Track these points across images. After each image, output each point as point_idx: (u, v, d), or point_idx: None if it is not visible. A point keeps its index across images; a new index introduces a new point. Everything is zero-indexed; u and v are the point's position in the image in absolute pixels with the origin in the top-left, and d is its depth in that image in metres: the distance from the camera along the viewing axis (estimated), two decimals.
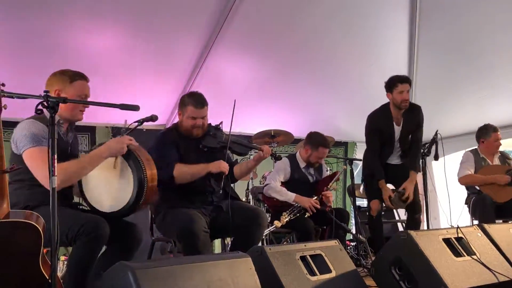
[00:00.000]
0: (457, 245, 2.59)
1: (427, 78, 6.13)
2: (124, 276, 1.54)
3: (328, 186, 3.72)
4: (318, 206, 3.60)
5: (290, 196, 3.67)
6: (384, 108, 4.03)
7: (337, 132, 6.58)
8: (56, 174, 2.15)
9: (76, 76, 2.44)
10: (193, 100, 3.06)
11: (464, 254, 2.56)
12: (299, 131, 6.17)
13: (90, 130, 5.27)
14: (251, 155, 3.61)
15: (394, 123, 3.97)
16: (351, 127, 6.71)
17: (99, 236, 2.18)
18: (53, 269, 1.75)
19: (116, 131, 5.15)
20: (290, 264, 2.28)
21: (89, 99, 2.51)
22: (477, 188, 4.35)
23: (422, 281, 2.39)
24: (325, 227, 3.88)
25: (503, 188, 4.15)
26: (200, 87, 5.24)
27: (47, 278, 1.80)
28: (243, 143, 3.21)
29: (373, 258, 4.13)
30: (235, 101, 3.14)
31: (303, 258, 2.37)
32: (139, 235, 2.56)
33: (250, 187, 4.67)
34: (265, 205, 4.19)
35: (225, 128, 3.21)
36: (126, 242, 2.49)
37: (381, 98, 6.20)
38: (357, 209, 4.16)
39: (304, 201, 3.63)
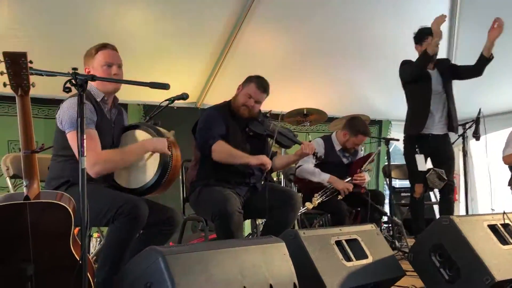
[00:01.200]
0: (504, 232, 2.44)
1: (467, 53, 5.82)
2: (155, 262, 1.48)
3: (362, 168, 3.58)
4: (351, 189, 3.48)
5: (324, 177, 3.57)
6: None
7: (371, 110, 6.39)
8: (92, 158, 2.19)
9: (97, 49, 2.40)
10: (259, 81, 3.04)
11: (511, 241, 2.41)
12: (332, 110, 6.03)
13: (122, 107, 5.27)
14: None
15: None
16: (386, 105, 6.55)
17: (138, 217, 2.14)
18: (83, 250, 1.71)
19: (147, 109, 5.16)
20: (325, 249, 2.20)
21: (120, 78, 2.46)
22: None
23: (465, 270, 2.26)
24: (358, 209, 3.76)
25: None
26: (230, 65, 5.26)
27: (78, 259, 1.78)
28: (289, 136, 3.17)
29: (408, 241, 4.03)
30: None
31: (338, 243, 2.28)
32: (178, 219, 2.51)
33: None
34: (296, 185, 4.10)
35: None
36: (164, 226, 2.45)
37: None
38: (392, 190, 4.00)
39: (338, 183, 3.52)
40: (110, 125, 2.49)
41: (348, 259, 2.24)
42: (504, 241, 2.40)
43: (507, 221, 2.51)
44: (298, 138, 3.25)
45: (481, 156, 4.57)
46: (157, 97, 5.33)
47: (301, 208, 3.17)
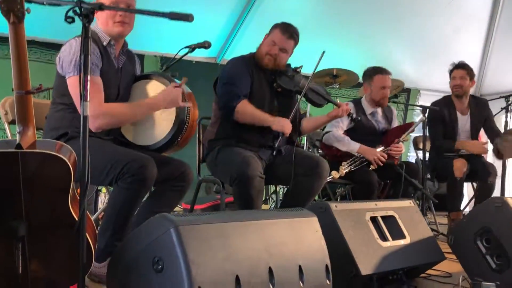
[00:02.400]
0: None
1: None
2: (166, 233, 1.22)
3: (401, 138, 3.23)
4: (384, 160, 3.15)
5: (353, 147, 3.23)
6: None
7: (400, 77, 6.08)
8: (94, 110, 1.90)
9: None
10: (284, 26, 2.73)
11: None
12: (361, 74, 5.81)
13: (138, 58, 4.99)
14: None
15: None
16: (416, 73, 6.20)
17: (145, 179, 1.87)
18: (82, 210, 1.44)
19: (165, 61, 4.87)
20: (359, 225, 1.93)
21: (129, 23, 2.15)
22: None
23: None
24: (387, 181, 3.46)
25: None
26: (254, 21, 4.93)
27: (76, 218, 1.54)
28: (321, 93, 2.85)
29: (436, 218, 3.75)
30: (323, 52, 2.75)
31: (373, 220, 2.01)
32: (191, 176, 2.26)
33: None
34: (319, 151, 3.80)
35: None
36: (176, 182, 2.20)
37: (453, 44, 5.64)
38: (424, 163, 3.66)
39: (369, 153, 3.17)
40: (117, 74, 2.20)
41: (384, 238, 1.98)
42: None
43: None
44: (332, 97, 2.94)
45: None
46: (176, 48, 5.09)
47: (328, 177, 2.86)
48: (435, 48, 5.90)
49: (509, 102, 3.80)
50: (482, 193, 3.46)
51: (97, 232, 1.79)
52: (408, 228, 2.09)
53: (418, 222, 2.18)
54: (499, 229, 2.05)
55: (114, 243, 1.93)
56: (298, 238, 1.50)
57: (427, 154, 3.77)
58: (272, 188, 4.21)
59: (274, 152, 2.73)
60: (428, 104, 3.92)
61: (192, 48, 2.68)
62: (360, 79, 4.63)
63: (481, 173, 3.47)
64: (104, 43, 2.13)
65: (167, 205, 2.23)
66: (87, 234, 1.54)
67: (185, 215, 1.31)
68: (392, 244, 1.97)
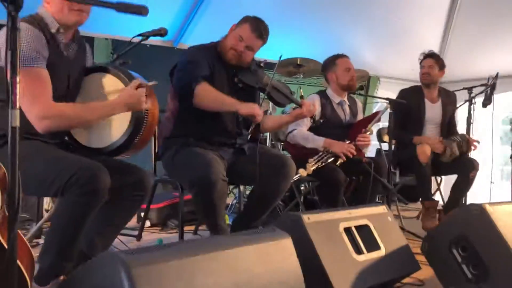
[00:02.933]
0: None
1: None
2: (116, 277, 0.99)
3: (367, 128, 3.08)
4: (354, 152, 2.99)
5: (318, 142, 3.06)
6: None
7: (359, 64, 6.03)
8: (40, 109, 1.68)
9: None
10: (255, 23, 2.51)
11: None
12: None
13: (88, 41, 4.59)
14: None
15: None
16: (375, 61, 6.15)
17: (97, 190, 1.62)
18: (12, 237, 1.19)
19: (117, 45, 4.53)
20: (333, 239, 1.78)
21: (87, 12, 1.89)
22: None
23: (495, 269, 1.88)
24: (354, 178, 3.33)
25: None
26: (214, 4, 4.67)
27: (3, 244, 1.30)
28: (285, 93, 2.66)
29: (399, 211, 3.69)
30: (280, 56, 2.64)
31: (347, 231, 1.86)
32: (149, 184, 2.03)
33: None
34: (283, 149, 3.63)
35: None
36: (133, 191, 1.96)
37: (411, 31, 5.62)
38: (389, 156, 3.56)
39: (336, 145, 3.01)
40: (67, 64, 1.92)
41: (359, 251, 1.84)
42: None
43: None
44: (295, 96, 2.76)
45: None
46: (129, 31, 4.75)
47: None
48: (395, 36, 5.89)
49: (473, 95, 3.77)
50: (461, 187, 3.44)
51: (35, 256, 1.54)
52: (383, 238, 1.96)
53: (392, 230, 2.05)
54: (476, 237, 1.95)
55: (61, 263, 1.69)
56: (271, 266, 1.32)
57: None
58: None
59: (244, 146, 2.55)
60: (397, 91, 3.88)
61: (146, 36, 2.42)
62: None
63: (463, 167, 3.43)
64: (52, 30, 1.85)
65: (122, 216, 2.01)
66: (19, 263, 1.30)
67: (139, 252, 1.09)
68: (367, 257, 1.83)
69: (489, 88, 3.53)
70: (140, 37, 2.44)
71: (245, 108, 2.37)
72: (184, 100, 2.49)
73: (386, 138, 4.01)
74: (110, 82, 1.99)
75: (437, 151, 3.44)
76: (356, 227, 1.90)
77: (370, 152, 5.32)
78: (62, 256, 1.68)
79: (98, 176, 1.64)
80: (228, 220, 2.93)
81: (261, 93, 2.67)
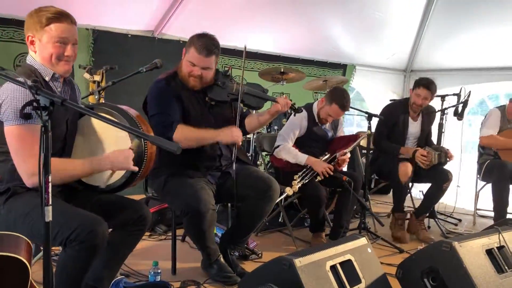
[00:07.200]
0: (499, 257, 2.31)
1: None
2: None
3: (346, 151, 3.27)
4: (331, 172, 3.19)
5: (301, 159, 3.25)
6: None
7: (337, 53, 6.29)
8: (32, 166, 1.72)
9: (49, 19, 1.84)
10: (200, 43, 2.49)
11: (506, 268, 2.30)
12: (302, 51, 5.96)
13: None
14: None
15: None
16: (352, 49, 6.36)
17: (96, 246, 1.73)
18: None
19: (98, 35, 4.51)
20: (321, 280, 1.97)
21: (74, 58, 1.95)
22: (493, 149, 4.02)
23: None
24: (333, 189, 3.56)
25: None
26: None
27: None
28: (258, 94, 2.71)
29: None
30: (245, 46, 2.67)
31: (333, 268, 2.06)
32: (149, 219, 2.15)
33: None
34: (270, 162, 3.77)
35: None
36: (134, 227, 2.10)
37: (388, 23, 5.79)
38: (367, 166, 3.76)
39: (317, 165, 3.20)
40: (70, 112, 1.99)
41: (343, 287, 2.04)
42: (500, 269, 2.27)
43: (502, 243, 2.38)
44: (269, 94, 2.82)
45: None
46: (109, 21, 4.71)
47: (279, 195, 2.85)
48: (372, 29, 6.02)
49: (446, 106, 3.98)
50: (434, 195, 3.67)
51: None
52: (363, 270, 2.17)
53: (371, 261, 2.26)
54: (445, 271, 2.18)
55: None
56: None
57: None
58: None
59: (230, 170, 2.67)
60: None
61: (144, 71, 2.48)
62: (296, 56, 4.54)
63: (439, 178, 3.62)
64: (47, 78, 1.92)
65: (126, 249, 2.15)
66: None
67: None
68: None
69: (461, 105, 3.73)
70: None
71: (225, 137, 2.50)
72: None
73: (363, 142, 4.24)
74: (102, 124, 2.03)
75: (424, 166, 3.63)
76: (340, 263, 2.10)
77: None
78: None
79: (96, 232, 1.73)
80: (216, 230, 3.09)
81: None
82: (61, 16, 1.85)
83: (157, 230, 3.44)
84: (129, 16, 4.73)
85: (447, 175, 3.60)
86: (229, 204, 3.35)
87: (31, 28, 1.86)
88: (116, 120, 2.00)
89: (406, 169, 3.54)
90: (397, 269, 2.38)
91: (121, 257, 2.16)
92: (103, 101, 3.02)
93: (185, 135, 2.47)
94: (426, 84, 3.63)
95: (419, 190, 4.66)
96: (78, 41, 1.94)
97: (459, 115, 3.75)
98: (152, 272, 2.50)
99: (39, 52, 1.88)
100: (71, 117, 2.03)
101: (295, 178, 3.08)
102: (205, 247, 2.60)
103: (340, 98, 3.29)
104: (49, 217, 1.25)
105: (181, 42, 5.04)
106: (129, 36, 4.76)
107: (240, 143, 2.62)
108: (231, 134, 2.50)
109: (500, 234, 2.41)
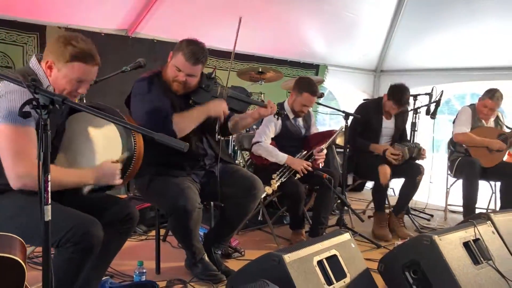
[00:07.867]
0: (475, 249, 2.42)
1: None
2: None
3: (323, 147, 3.34)
4: (310, 169, 3.26)
5: (281, 158, 3.30)
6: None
7: (310, 53, 6.34)
8: (23, 167, 1.71)
9: (76, 57, 1.82)
10: (189, 50, 2.49)
11: (482, 260, 2.40)
12: (276, 51, 5.98)
13: (39, 29, 4.44)
14: None
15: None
16: (324, 50, 6.43)
17: (91, 247, 1.72)
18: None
19: (71, 32, 4.41)
20: (309, 275, 2.04)
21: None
22: (464, 146, 4.16)
23: None
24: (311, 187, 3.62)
25: (492, 153, 4.01)
26: None
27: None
28: (242, 98, 2.76)
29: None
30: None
31: (320, 263, 2.11)
32: (136, 217, 2.14)
33: None
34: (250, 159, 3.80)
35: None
36: (122, 225, 2.09)
37: (360, 24, 5.91)
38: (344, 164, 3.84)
39: (296, 164, 3.27)
40: (55, 116, 1.95)
41: (330, 282, 2.10)
42: (476, 261, 2.38)
43: (478, 236, 2.48)
44: (252, 98, 2.89)
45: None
46: (82, 19, 4.61)
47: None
48: (345, 29, 6.12)
49: (418, 106, 4.11)
50: (408, 189, 3.79)
51: None
52: (348, 265, 2.23)
53: (355, 256, 2.32)
54: (426, 264, 2.27)
55: None
56: None
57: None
58: None
59: (214, 168, 2.69)
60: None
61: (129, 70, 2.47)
62: (269, 56, 4.57)
63: (411, 171, 3.75)
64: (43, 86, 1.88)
65: (113, 249, 2.14)
66: None
67: None
68: (335, 286, 2.09)
69: (434, 104, 3.85)
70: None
71: (214, 110, 2.57)
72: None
73: (339, 141, 4.33)
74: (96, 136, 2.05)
75: (396, 163, 3.75)
76: (326, 258, 2.15)
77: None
78: None
79: (90, 233, 1.73)
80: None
81: None
82: (87, 57, 1.83)
83: (137, 230, 3.42)
84: (103, 15, 4.66)
85: (419, 169, 3.74)
86: (211, 203, 3.36)
87: (54, 55, 1.84)
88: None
89: (385, 171, 3.64)
90: (379, 263, 2.45)
91: (109, 257, 2.14)
92: (84, 101, 2.98)
93: (182, 124, 2.49)
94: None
95: (390, 187, 4.79)
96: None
97: (432, 114, 3.87)
98: (137, 272, 2.49)
99: (54, 79, 1.87)
100: (59, 120, 2.00)
101: (273, 177, 3.13)
102: (190, 246, 2.61)
103: (308, 85, 3.41)
104: (48, 216, 1.23)
105: (155, 41, 4.99)
106: (103, 35, 4.69)
107: (224, 117, 2.65)
108: (220, 106, 2.57)
109: (476, 228, 2.52)
